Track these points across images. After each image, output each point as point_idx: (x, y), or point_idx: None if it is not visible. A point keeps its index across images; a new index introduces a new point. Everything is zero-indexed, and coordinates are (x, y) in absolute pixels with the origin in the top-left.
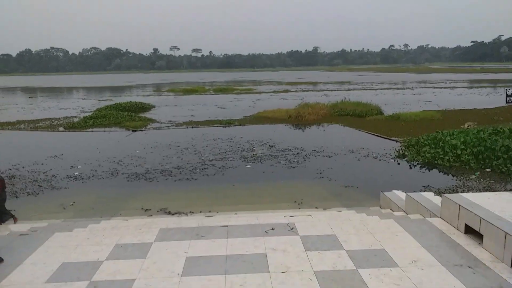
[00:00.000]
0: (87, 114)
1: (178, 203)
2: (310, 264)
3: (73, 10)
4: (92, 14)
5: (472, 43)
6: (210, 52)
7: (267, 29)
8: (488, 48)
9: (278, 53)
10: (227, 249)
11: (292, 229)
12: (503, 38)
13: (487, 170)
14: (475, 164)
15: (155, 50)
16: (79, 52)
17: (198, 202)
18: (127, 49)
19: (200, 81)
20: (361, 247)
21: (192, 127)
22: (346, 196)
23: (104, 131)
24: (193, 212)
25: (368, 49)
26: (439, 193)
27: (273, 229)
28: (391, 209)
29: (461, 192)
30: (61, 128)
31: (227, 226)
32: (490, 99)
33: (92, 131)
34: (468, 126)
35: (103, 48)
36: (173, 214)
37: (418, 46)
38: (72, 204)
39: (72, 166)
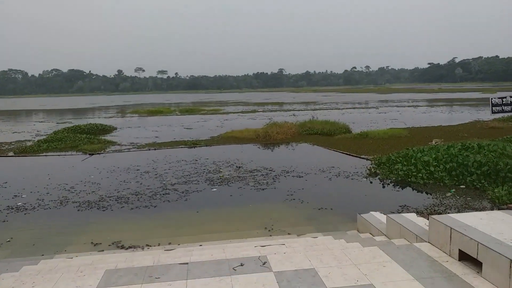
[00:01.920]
0: (42, 138)
1: (133, 234)
2: None
3: (32, 31)
4: (52, 35)
5: (429, 65)
6: (176, 73)
7: (233, 52)
8: (443, 70)
9: (245, 74)
10: None
11: (264, 263)
12: (457, 60)
13: (462, 186)
14: (449, 181)
15: (119, 71)
16: (39, 74)
17: (156, 232)
18: (90, 71)
19: (165, 102)
20: (346, 283)
21: (155, 149)
22: (320, 219)
23: (59, 155)
24: (150, 246)
25: (331, 71)
26: (421, 213)
27: (242, 264)
28: (370, 233)
29: (440, 211)
30: (10, 153)
31: (187, 263)
32: (452, 116)
33: (45, 155)
34: (435, 142)
35: (64, 69)
36: (126, 249)
37: (379, 68)
38: (9, 241)
39: (16, 195)
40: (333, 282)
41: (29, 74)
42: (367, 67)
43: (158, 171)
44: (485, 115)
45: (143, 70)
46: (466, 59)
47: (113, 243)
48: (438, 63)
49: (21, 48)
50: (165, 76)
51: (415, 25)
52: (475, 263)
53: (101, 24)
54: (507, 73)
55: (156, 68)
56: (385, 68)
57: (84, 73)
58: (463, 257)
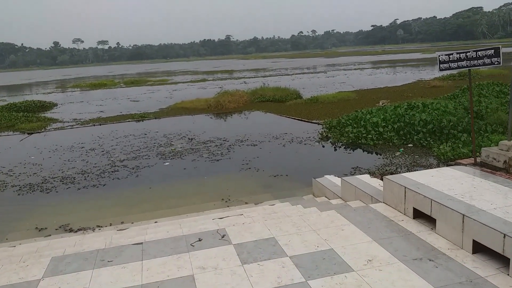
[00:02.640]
0: None
1: (82, 216)
2: (249, 282)
3: None
4: None
5: (372, 27)
6: (118, 43)
7: (178, 19)
8: (386, 31)
9: (191, 42)
10: (143, 276)
11: (223, 236)
12: (398, 22)
13: (409, 145)
14: (397, 141)
15: (56, 43)
16: None
17: (108, 212)
18: (22, 44)
19: (109, 74)
20: (306, 250)
21: (100, 124)
22: (276, 186)
23: None
24: (101, 226)
25: (279, 36)
26: (374, 174)
27: (200, 239)
28: (326, 197)
29: (391, 170)
30: None
31: (142, 243)
32: (396, 77)
33: None
34: (382, 103)
35: None
36: (75, 232)
37: (324, 32)
38: None
39: None
40: (293, 250)
41: None
42: (313, 31)
43: (105, 148)
44: (426, 74)
45: (82, 41)
46: (407, 21)
47: (60, 227)
48: (381, 25)
49: None
50: (106, 47)
51: None
52: (429, 220)
53: None
54: (444, 33)
55: (96, 38)
56: (330, 31)
57: (16, 46)
58: (418, 215)
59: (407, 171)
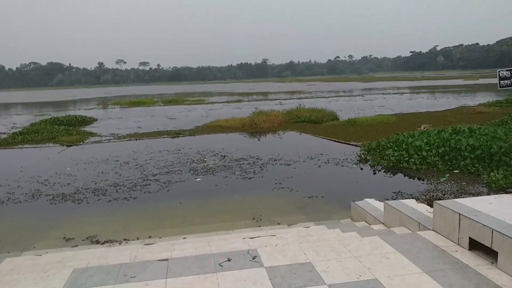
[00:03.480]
0: (18, 130)
1: (110, 228)
2: None
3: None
4: (31, 26)
5: (411, 53)
6: (158, 65)
7: (217, 43)
8: (425, 58)
9: (228, 65)
10: None
11: (254, 257)
12: (438, 48)
13: (455, 171)
14: (442, 166)
15: (100, 64)
16: (17, 68)
17: (136, 225)
18: (70, 64)
19: (148, 93)
20: (347, 278)
21: (136, 139)
22: (311, 208)
23: (34, 147)
24: (128, 240)
25: (315, 61)
26: (420, 199)
27: (229, 259)
28: (366, 221)
29: (438, 196)
30: None
31: (167, 260)
32: (437, 102)
33: (20, 148)
34: (424, 128)
35: (43, 62)
36: (102, 244)
37: (362, 57)
38: None
39: None
40: (332, 277)
41: (6, 68)
42: (350, 56)
43: (138, 162)
44: (470, 100)
45: (125, 62)
46: (447, 47)
47: (87, 238)
48: (420, 51)
49: None
50: (147, 68)
51: (397, 14)
52: (488, 253)
53: (81, 15)
54: (487, 60)
55: (138, 59)
56: (368, 57)
57: (64, 66)
58: (474, 246)
59: (454, 198)
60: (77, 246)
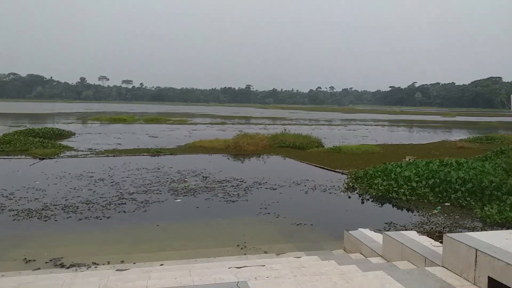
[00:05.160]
0: None
1: (78, 250)
2: None
3: None
4: (11, 36)
5: (391, 88)
6: (141, 84)
7: (201, 65)
8: (404, 93)
9: (212, 88)
10: None
11: None
12: (416, 85)
13: (446, 204)
14: (433, 198)
15: (82, 79)
16: None
17: (108, 248)
18: (51, 77)
19: (129, 111)
20: None
21: (114, 156)
22: (299, 236)
23: (4, 158)
24: (97, 264)
25: (297, 90)
26: (423, 232)
27: None
28: (361, 253)
29: (428, 228)
30: None
31: None
32: (420, 135)
33: None
34: (409, 159)
35: (23, 74)
36: (67, 267)
37: (342, 89)
38: None
39: None
40: None
41: None
42: (332, 87)
43: (114, 179)
44: (450, 136)
45: (107, 79)
46: (425, 84)
47: (51, 260)
48: (399, 87)
49: None
50: (130, 86)
51: (377, 49)
52: None
53: (65, 29)
54: (462, 99)
55: (121, 77)
56: (348, 89)
57: (45, 79)
58: (494, 286)
59: (449, 232)
60: (39, 269)
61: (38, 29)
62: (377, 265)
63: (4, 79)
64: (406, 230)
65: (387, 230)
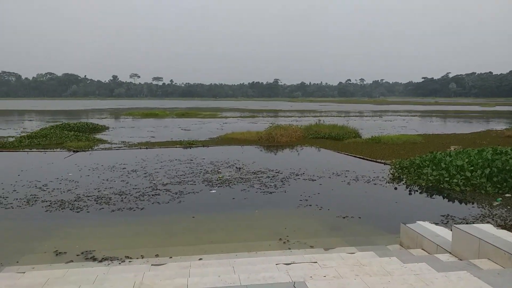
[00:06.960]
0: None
1: (111, 242)
2: None
3: (27, 33)
4: (48, 38)
5: (423, 79)
6: (171, 80)
7: (229, 60)
8: (437, 84)
9: (240, 83)
10: None
11: None
12: (450, 75)
13: (507, 195)
14: (491, 188)
15: (115, 77)
16: (33, 77)
17: (141, 241)
18: (85, 75)
19: (160, 107)
20: None
21: (146, 148)
22: (347, 229)
23: (40, 151)
24: (130, 258)
25: (326, 83)
26: (499, 225)
27: None
28: (423, 249)
29: (492, 221)
30: None
31: None
32: (460, 125)
33: (25, 151)
34: (454, 148)
35: (59, 73)
36: (99, 261)
37: (373, 81)
38: None
39: None
40: None
41: (23, 77)
42: (362, 79)
43: (147, 170)
44: (495, 125)
45: (139, 76)
46: (460, 75)
47: (82, 253)
48: (432, 78)
49: (15, 51)
50: (160, 83)
51: (409, 39)
52: None
53: (97, 29)
54: (500, 89)
55: (152, 74)
56: (379, 81)
57: (79, 78)
58: None
59: None
60: (69, 262)
61: (71, 31)
62: (450, 263)
63: (42, 79)
64: (467, 223)
65: (445, 223)
